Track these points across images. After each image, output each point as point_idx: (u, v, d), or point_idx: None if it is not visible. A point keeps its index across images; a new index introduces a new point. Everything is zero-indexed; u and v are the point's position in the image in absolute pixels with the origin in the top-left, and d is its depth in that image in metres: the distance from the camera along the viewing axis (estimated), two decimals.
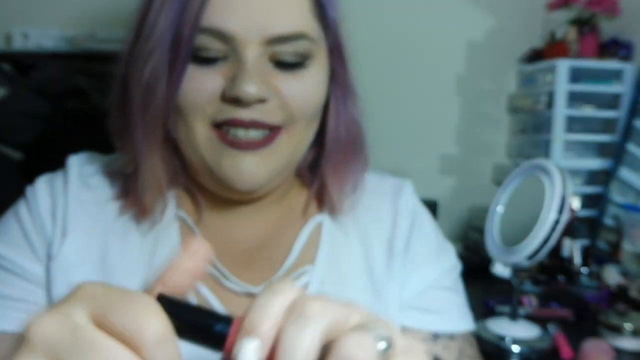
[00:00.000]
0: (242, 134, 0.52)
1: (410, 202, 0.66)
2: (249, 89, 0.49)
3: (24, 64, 1.24)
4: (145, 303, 0.27)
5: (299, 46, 0.52)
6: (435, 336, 0.61)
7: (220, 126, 0.52)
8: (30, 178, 0.62)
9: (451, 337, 0.62)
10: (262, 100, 0.51)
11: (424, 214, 0.68)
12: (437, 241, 0.67)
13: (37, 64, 1.21)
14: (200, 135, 0.53)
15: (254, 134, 0.53)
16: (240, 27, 0.50)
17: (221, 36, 0.50)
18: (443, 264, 0.65)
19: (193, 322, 0.29)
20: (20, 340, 0.27)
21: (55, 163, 0.64)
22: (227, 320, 0.29)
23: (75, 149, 0.66)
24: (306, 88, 0.54)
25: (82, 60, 1.23)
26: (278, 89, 0.52)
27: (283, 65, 0.52)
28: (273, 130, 0.53)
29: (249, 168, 0.53)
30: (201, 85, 0.51)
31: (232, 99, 0.51)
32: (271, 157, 0.54)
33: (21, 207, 0.60)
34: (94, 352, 0.26)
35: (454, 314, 0.63)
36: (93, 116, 1.06)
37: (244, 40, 0.50)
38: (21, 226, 0.58)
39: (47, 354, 0.26)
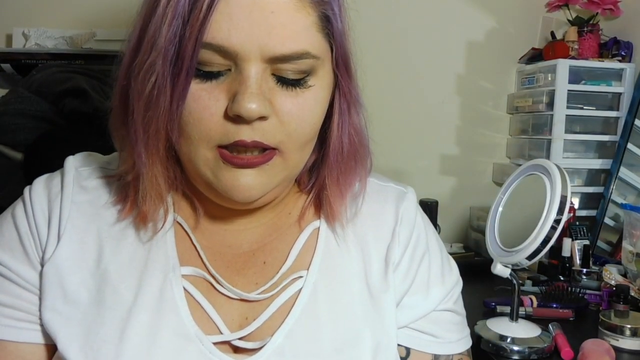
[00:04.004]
0: (243, 153, 0.52)
1: (412, 211, 0.66)
2: (251, 106, 0.49)
3: (24, 64, 1.24)
4: None
5: (302, 64, 0.52)
6: (436, 357, 0.63)
7: (224, 147, 0.52)
8: (30, 178, 0.62)
9: (449, 358, 0.64)
10: (262, 118, 0.51)
11: (427, 225, 0.68)
12: (442, 259, 0.67)
13: (37, 64, 1.21)
14: (202, 156, 0.53)
15: (253, 152, 0.53)
16: (243, 44, 0.49)
17: (224, 52, 0.49)
18: (447, 284, 0.65)
19: None
20: None
21: (55, 163, 0.64)
22: None
23: (75, 149, 0.66)
24: (305, 109, 0.53)
25: (82, 60, 1.23)
26: (277, 107, 0.52)
27: (285, 81, 0.52)
28: (269, 150, 0.53)
29: (247, 180, 0.53)
30: (205, 105, 0.51)
31: (234, 116, 0.50)
32: (268, 173, 0.54)
33: (18, 210, 0.60)
34: None
35: (454, 336, 0.65)
36: (93, 116, 1.06)
37: (246, 57, 0.49)
38: (17, 230, 0.58)
39: None
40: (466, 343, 0.66)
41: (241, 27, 0.49)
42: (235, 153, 0.52)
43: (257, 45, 0.49)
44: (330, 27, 0.54)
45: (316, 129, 0.56)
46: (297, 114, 0.53)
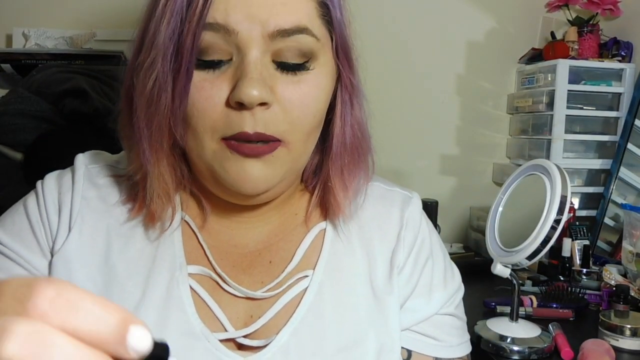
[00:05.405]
0: (247, 145, 0.52)
1: (417, 216, 0.66)
2: (252, 91, 0.49)
3: (24, 64, 1.24)
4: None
5: (302, 41, 0.52)
6: None
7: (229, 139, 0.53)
8: (30, 178, 0.62)
9: None
10: (264, 104, 0.51)
11: (432, 230, 0.68)
12: (445, 263, 0.67)
13: (37, 64, 1.21)
14: (209, 149, 0.53)
15: (259, 144, 0.53)
16: (243, 22, 0.50)
17: (224, 31, 0.50)
18: (450, 289, 0.66)
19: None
20: None
21: (55, 163, 0.64)
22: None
23: (75, 149, 0.66)
24: (307, 95, 0.53)
25: (82, 60, 1.23)
26: (279, 94, 0.52)
27: (285, 66, 0.52)
28: (274, 141, 0.53)
29: (254, 172, 0.53)
30: (208, 95, 0.51)
31: (235, 105, 0.51)
32: (274, 164, 0.54)
33: (30, 201, 0.60)
34: None
35: (455, 340, 0.65)
36: (93, 116, 1.06)
37: (247, 36, 0.50)
38: (29, 219, 0.59)
39: None
40: (467, 348, 0.67)
41: (240, 6, 0.50)
42: (241, 145, 0.52)
43: (257, 23, 0.50)
44: (329, 15, 0.54)
45: (319, 118, 0.56)
46: (300, 100, 0.53)
